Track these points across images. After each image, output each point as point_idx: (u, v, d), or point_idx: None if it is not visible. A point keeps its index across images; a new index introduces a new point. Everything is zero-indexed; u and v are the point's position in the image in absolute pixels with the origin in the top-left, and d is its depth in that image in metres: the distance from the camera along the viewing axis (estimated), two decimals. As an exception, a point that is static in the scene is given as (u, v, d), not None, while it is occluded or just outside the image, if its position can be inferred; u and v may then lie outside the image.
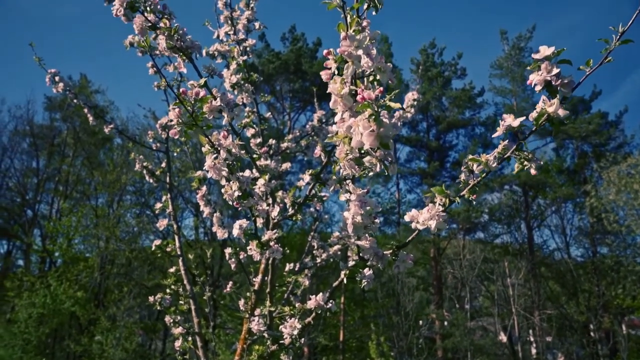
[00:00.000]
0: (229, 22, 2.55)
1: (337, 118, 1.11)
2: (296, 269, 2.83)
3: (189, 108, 1.34)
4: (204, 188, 2.08)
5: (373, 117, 1.00)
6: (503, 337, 19.83)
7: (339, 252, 3.08)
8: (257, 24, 2.59)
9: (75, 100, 2.80)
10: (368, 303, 20.90)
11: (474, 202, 1.27)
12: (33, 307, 13.68)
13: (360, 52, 1.08)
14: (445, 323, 20.55)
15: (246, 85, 2.41)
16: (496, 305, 19.68)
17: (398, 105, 1.02)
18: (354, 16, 1.14)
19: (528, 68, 1.20)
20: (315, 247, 3.05)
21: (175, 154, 2.78)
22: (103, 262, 16.93)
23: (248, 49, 2.53)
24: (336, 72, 1.11)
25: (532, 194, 23.16)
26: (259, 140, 2.58)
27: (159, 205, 3.03)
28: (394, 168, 1.11)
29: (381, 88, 1.04)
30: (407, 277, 20.20)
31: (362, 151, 1.08)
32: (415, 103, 3.03)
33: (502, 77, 25.22)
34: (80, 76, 24.40)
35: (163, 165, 3.08)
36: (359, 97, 1.01)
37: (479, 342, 19.50)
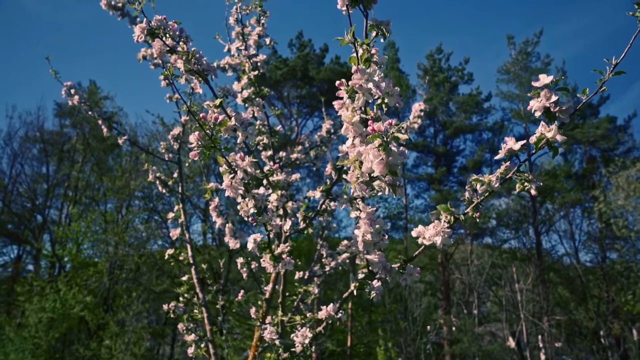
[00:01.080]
0: (240, 37, 2.62)
1: (348, 143, 1.17)
2: (306, 277, 2.88)
3: (208, 131, 1.41)
4: (217, 199, 2.14)
5: (382, 147, 1.06)
6: (512, 343, 19.75)
7: (348, 260, 3.13)
8: (267, 40, 2.66)
9: (90, 112, 2.88)
10: (376, 308, 20.90)
11: (478, 220, 1.32)
12: (43, 312, 13.77)
13: (370, 85, 1.14)
14: (453, 329, 20.50)
15: (257, 99, 2.48)
16: (504, 310, 19.63)
17: (406, 136, 1.08)
18: (364, 51, 1.20)
19: (529, 94, 1.26)
20: (324, 256, 3.11)
21: (187, 164, 2.82)
22: (112, 267, 17.04)
23: (259, 64, 2.60)
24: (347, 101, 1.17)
25: (540, 199, 23.09)
26: (269, 152, 2.64)
27: (171, 214, 3.09)
28: (401, 191, 1.16)
29: (390, 120, 1.09)
30: (414, 283, 20.21)
31: (372, 175, 1.13)
32: (422, 114, 3.08)
33: (509, 82, 25.22)
34: (89, 82, 24.66)
35: (175, 175, 3.15)
36: (369, 129, 1.07)
37: (487, 348, 19.44)
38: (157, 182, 3.04)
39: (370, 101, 1.17)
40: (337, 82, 1.19)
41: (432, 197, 24.13)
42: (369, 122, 1.12)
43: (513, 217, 22.84)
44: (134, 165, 18.50)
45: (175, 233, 2.96)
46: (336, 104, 1.18)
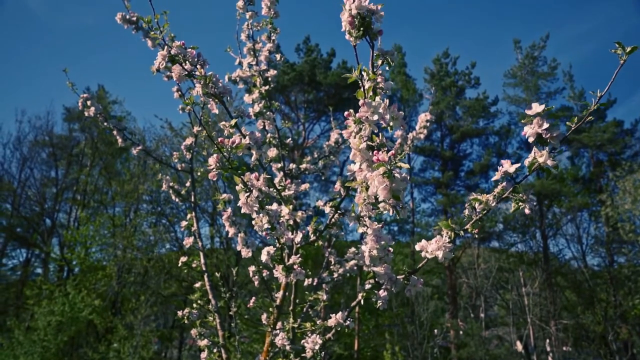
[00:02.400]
0: (252, 53, 2.71)
1: (356, 167, 1.25)
2: (314, 284, 2.97)
3: (225, 154, 1.50)
4: (229, 210, 2.22)
5: (386, 174, 1.14)
6: (519, 347, 19.73)
7: (355, 267, 3.21)
8: (278, 56, 2.75)
9: (105, 124, 2.97)
10: (382, 312, 20.92)
11: (476, 236, 1.40)
12: (52, 315, 13.87)
13: (375, 117, 1.22)
14: (460, 332, 20.50)
15: (268, 113, 2.57)
16: (511, 314, 19.61)
17: (407, 166, 1.15)
18: (370, 85, 1.29)
19: (522, 121, 1.34)
20: (332, 263, 3.19)
21: (198, 173, 2.90)
22: (120, 271, 17.16)
23: (270, 79, 2.69)
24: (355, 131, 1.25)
25: (547, 203, 23.05)
26: (279, 165, 2.73)
27: (184, 223, 3.18)
28: (405, 212, 1.24)
29: (393, 151, 1.17)
30: (422, 286, 20.20)
31: (377, 198, 1.21)
32: (428, 124, 3.15)
33: (516, 86, 25.23)
34: (98, 87, 24.89)
35: (187, 184, 3.24)
36: (374, 158, 1.15)
37: (494, 352, 19.41)
38: (171, 191, 3.13)
39: (375, 130, 1.25)
40: (346, 113, 1.28)
41: (439, 201, 24.17)
42: (374, 151, 1.20)
43: (520, 221, 22.81)
44: (142, 170, 18.63)
45: (188, 241, 3.04)
46: (345, 133, 1.26)
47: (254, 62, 2.68)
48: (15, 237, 23.04)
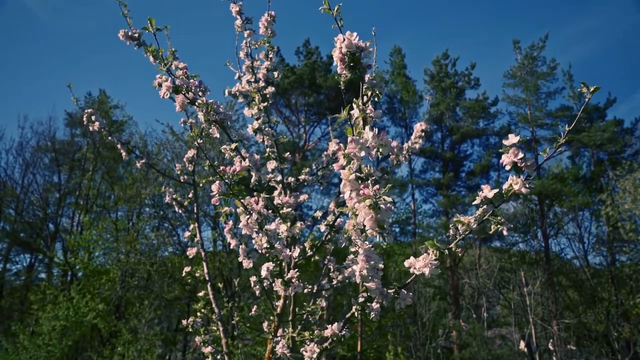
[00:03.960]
0: (250, 70, 2.81)
1: (346, 196, 1.35)
2: (314, 291, 3.05)
3: (227, 181, 1.60)
4: (231, 222, 2.31)
5: (372, 206, 1.25)
6: (523, 347, 19.79)
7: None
8: (275, 74, 2.85)
9: (110, 138, 3.07)
10: (385, 313, 20.97)
11: (459, 254, 1.51)
12: (56, 320, 13.95)
13: (362, 153, 1.32)
14: (462, 333, 20.56)
15: (267, 129, 2.67)
16: (513, 314, 19.68)
17: (390, 199, 1.25)
18: (358, 124, 1.39)
19: (500, 150, 1.44)
20: (332, 270, 3.28)
21: (200, 184, 2.97)
22: (124, 275, 17.26)
23: (268, 95, 2.79)
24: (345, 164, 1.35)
25: (548, 203, 23.12)
26: (279, 177, 2.82)
27: (187, 234, 3.27)
28: (390, 238, 1.34)
29: (377, 186, 1.27)
30: (424, 287, 20.29)
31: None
32: (423, 134, 3.24)
33: (516, 86, 25.30)
34: (99, 92, 25.01)
35: (190, 195, 3.33)
36: (361, 192, 1.25)
37: (497, 352, 19.47)
38: (174, 203, 3.23)
39: (363, 165, 1.35)
40: (337, 147, 1.38)
41: (439, 202, 24.25)
42: (362, 185, 1.30)
43: (521, 221, 22.88)
44: (145, 174, 18.72)
45: (191, 252, 3.13)
46: (336, 166, 1.36)
47: (252, 79, 2.78)
48: (18, 242, 23.17)
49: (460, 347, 19.81)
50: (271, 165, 2.84)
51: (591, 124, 23.71)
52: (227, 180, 1.59)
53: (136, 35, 3.02)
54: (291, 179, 2.82)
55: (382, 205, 1.23)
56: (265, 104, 2.70)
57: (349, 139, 1.33)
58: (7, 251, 23.22)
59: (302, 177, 3.02)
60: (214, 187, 1.62)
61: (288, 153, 2.88)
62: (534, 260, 22.02)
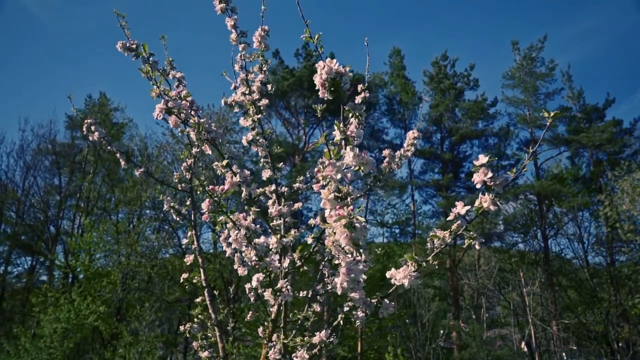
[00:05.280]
0: (245, 83, 2.89)
1: (327, 213, 1.43)
2: (309, 296, 3.13)
3: (216, 200, 1.68)
4: (226, 231, 2.39)
5: (347, 226, 1.33)
6: (524, 347, 19.85)
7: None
8: (269, 86, 2.92)
9: (109, 147, 3.13)
10: (385, 314, 20.99)
11: (436, 267, 1.59)
12: (57, 322, 14.00)
13: (339, 175, 1.40)
14: (462, 334, 20.63)
15: (261, 140, 2.75)
16: (512, 314, 19.75)
17: (363, 219, 1.33)
18: (334, 149, 1.47)
19: (472, 170, 1.52)
20: (326, 275, 3.35)
21: (198, 192, 3.02)
22: (125, 277, 17.33)
23: (262, 107, 2.86)
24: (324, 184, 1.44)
25: (547, 203, 23.18)
26: (273, 187, 2.90)
27: (185, 240, 3.34)
28: (366, 254, 1.42)
29: (351, 207, 1.35)
30: (424, 288, 20.36)
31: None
32: (415, 142, 3.31)
33: (515, 87, 25.39)
34: (100, 94, 25.12)
35: (188, 203, 3.40)
36: (336, 212, 1.34)
37: (497, 353, 19.53)
38: (172, 210, 3.30)
39: (340, 186, 1.43)
40: (316, 169, 1.46)
41: (439, 203, 24.32)
42: (337, 206, 1.38)
43: (521, 221, 22.95)
44: (145, 177, 18.76)
45: (189, 259, 3.20)
46: (316, 187, 1.44)
47: (247, 92, 2.85)
48: (19, 244, 23.24)
49: (460, 348, 19.88)
50: (266, 174, 2.93)
51: (590, 125, 23.79)
52: (216, 199, 1.67)
53: (134, 46, 3.10)
54: (285, 189, 2.90)
55: (357, 225, 1.31)
56: (260, 115, 2.78)
57: (327, 162, 1.41)
58: (8, 254, 23.29)
59: (296, 185, 3.10)
60: (204, 205, 1.71)
61: (282, 164, 2.95)
62: (533, 261, 22.10)
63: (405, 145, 3.26)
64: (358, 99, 3.17)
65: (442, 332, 18.73)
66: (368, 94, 3.26)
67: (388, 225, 25.65)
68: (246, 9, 3.14)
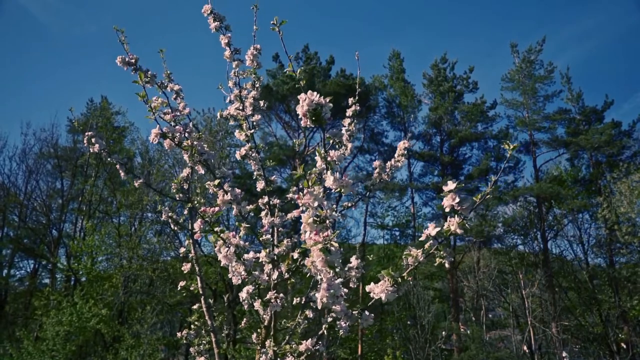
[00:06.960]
0: (238, 99, 3.00)
1: (306, 236, 1.55)
2: (302, 302, 3.24)
3: (207, 220, 1.80)
4: (220, 242, 2.50)
5: (322, 250, 1.45)
6: (525, 349, 19.90)
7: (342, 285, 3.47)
8: (262, 102, 3.04)
9: (109, 159, 3.25)
10: (386, 316, 21.12)
11: (412, 277, 1.71)
12: (60, 325, 14.09)
13: (316, 203, 1.52)
14: (461, 336, 20.70)
15: (254, 155, 2.86)
16: (511, 316, 19.81)
17: (337, 245, 1.45)
18: (313, 177, 1.59)
19: (441, 194, 1.64)
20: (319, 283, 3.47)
21: (195, 202, 3.13)
22: (126, 280, 17.44)
23: (255, 123, 2.98)
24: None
25: (547, 205, 23.24)
26: (266, 199, 3.01)
27: (182, 249, 3.45)
28: (343, 273, 1.54)
29: (327, 232, 1.47)
30: (424, 290, 20.44)
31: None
32: (405, 152, 3.42)
33: (514, 89, 25.49)
34: (101, 98, 25.26)
35: (185, 212, 3.51)
36: (313, 237, 1.45)
37: (496, 355, 19.57)
38: (170, 220, 3.41)
39: (317, 213, 1.55)
40: (297, 196, 1.58)
41: (438, 205, 24.41)
42: (314, 233, 1.50)
43: (520, 223, 23.02)
44: (147, 180, 18.87)
45: (186, 267, 3.32)
46: (296, 212, 1.57)
47: (240, 108, 2.97)
48: (22, 248, 23.38)
49: (459, 350, 19.94)
50: (260, 185, 3.04)
51: (589, 127, 23.86)
52: (207, 220, 1.79)
53: (132, 60, 3.22)
54: (277, 201, 3.01)
55: (332, 249, 1.43)
56: (253, 131, 2.90)
57: (305, 190, 1.53)
58: (11, 257, 23.42)
59: (289, 195, 3.21)
60: (196, 226, 1.83)
61: (274, 177, 3.05)
62: (533, 263, 22.15)
63: (395, 155, 3.36)
64: (349, 112, 3.29)
65: (442, 334, 18.79)
66: (359, 107, 3.38)
67: (388, 227, 25.80)
68: (243, 14, 3.26)
